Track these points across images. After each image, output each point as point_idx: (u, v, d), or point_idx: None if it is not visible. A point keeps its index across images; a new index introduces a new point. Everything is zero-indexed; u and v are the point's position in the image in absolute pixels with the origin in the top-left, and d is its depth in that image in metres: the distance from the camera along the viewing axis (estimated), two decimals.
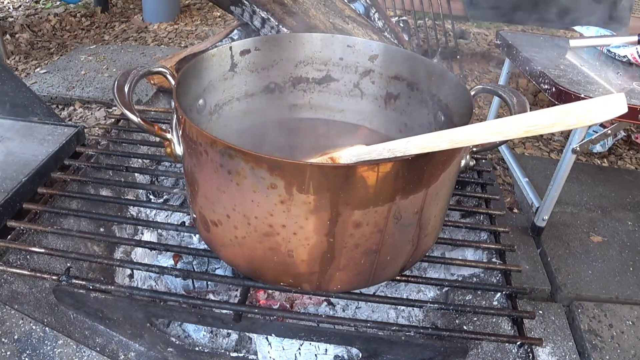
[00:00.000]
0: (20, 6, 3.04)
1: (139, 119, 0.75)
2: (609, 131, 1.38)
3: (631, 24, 2.54)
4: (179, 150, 0.78)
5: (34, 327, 0.97)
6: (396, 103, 1.05)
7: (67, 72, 2.16)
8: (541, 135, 2.22)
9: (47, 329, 0.96)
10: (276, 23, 1.37)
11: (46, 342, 0.96)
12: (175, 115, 0.77)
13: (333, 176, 0.65)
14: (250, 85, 1.03)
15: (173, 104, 1.37)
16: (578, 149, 1.32)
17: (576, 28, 1.85)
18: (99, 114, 1.94)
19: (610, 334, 1.21)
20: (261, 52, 1.01)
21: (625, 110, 0.52)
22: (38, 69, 2.23)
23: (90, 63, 2.26)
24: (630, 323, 1.24)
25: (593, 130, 1.92)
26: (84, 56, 2.32)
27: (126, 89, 0.77)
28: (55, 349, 0.95)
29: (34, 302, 0.90)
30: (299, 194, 0.67)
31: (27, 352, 0.94)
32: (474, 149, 0.82)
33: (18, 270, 0.88)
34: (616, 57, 1.59)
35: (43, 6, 3.07)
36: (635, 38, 1.52)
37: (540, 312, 1.23)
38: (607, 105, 0.52)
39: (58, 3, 3.10)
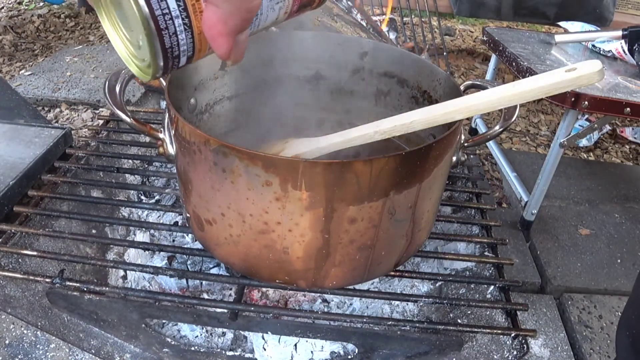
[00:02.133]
0: (2, 7, 3.00)
1: (131, 120, 0.75)
2: (595, 125, 1.40)
3: (615, 18, 2.58)
4: (171, 149, 0.78)
5: (25, 331, 0.96)
6: (386, 100, 1.06)
7: (53, 74, 2.13)
8: (528, 131, 2.25)
9: (39, 332, 0.95)
10: None
11: (38, 346, 0.95)
12: (168, 115, 0.77)
13: (328, 172, 0.66)
14: (240, 84, 1.03)
15: (164, 103, 1.37)
16: (565, 142, 1.34)
17: (561, 23, 1.88)
18: (85, 116, 1.92)
19: (600, 324, 1.23)
20: (251, 51, 1.01)
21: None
22: (22, 71, 2.20)
23: (76, 64, 2.23)
24: (619, 314, 1.26)
25: (579, 125, 1.94)
26: (69, 57, 2.29)
27: (117, 90, 0.76)
28: (47, 353, 0.94)
29: (27, 306, 0.89)
30: (294, 191, 0.67)
31: (19, 357, 0.93)
32: (465, 144, 0.83)
33: (10, 274, 0.87)
34: (601, 52, 1.61)
35: (26, 7, 3.03)
36: (619, 33, 1.54)
37: (532, 304, 1.25)
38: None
39: (41, 4, 3.06)
